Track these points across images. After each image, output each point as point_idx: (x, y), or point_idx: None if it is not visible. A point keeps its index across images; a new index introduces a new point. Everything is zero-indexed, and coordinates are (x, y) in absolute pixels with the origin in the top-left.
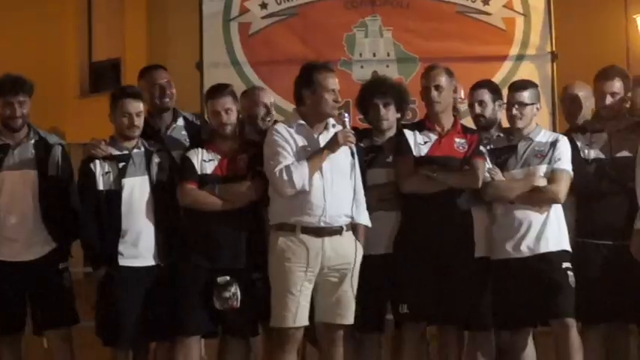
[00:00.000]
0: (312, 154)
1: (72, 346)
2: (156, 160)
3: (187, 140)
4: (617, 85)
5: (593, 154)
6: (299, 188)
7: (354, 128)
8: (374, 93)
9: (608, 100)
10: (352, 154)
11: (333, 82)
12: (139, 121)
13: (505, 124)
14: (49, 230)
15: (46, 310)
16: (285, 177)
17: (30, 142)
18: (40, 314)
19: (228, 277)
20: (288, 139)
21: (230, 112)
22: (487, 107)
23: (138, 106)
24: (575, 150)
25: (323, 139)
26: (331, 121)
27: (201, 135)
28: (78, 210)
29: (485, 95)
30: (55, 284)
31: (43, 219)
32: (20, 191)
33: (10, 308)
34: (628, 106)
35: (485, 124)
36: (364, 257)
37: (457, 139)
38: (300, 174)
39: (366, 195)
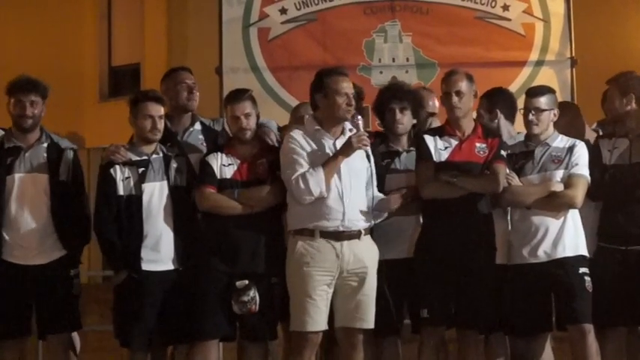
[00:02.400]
0: (328, 160)
1: (69, 352)
2: (174, 165)
3: (204, 144)
4: (612, 93)
5: (613, 159)
6: (316, 195)
7: (370, 131)
8: (391, 98)
9: (616, 102)
10: (368, 157)
11: (345, 85)
12: (161, 125)
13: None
14: (59, 235)
15: (51, 316)
16: (302, 185)
17: (42, 146)
18: (45, 319)
19: (246, 281)
20: (304, 145)
21: (249, 117)
22: (483, 118)
23: (160, 109)
24: (597, 156)
25: (340, 143)
26: (347, 125)
27: (219, 140)
28: (88, 216)
29: (481, 108)
30: (64, 291)
31: (54, 224)
32: (31, 195)
33: (15, 311)
34: None
35: None
36: (384, 261)
37: (478, 144)
38: (317, 181)
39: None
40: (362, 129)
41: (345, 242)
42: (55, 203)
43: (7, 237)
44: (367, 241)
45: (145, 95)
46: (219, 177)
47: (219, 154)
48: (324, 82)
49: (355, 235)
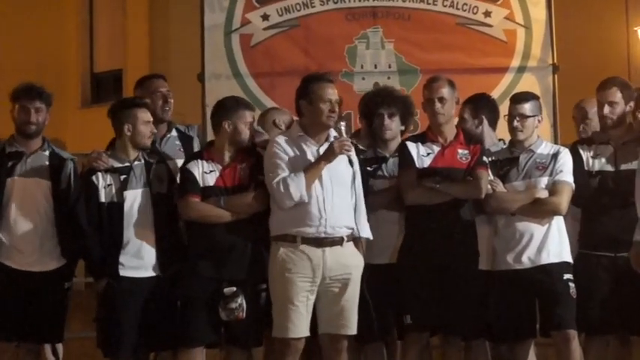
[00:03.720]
0: (310, 165)
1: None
2: (156, 171)
3: (182, 150)
4: (615, 95)
5: (597, 166)
6: (297, 200)
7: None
8: (380, 103)
9: (606, 109)
10: (351, 163)
11: (329, 92)
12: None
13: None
14: (59, 241)
15: (37, 325)
16: (282, 189)
17: (44, 153)
18: (29, 327)
19: (234, 288)
20: (287, 150)
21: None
22: (467, 123)
23: (150, 116)
24: (578, 162)
25: (324, 150)
26: (332, 132)
27: (195, 147)
28: (84, 227)
29: (466, 113)
30: (55, 303)
31: (55, 230)
32: (31, 199)
33: (9, 315)
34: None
35: None
36: (368, 266)
37: (460, 150)
38: (297, 185)
39: (369, 199)
40: (345, 135)
41: (327, 248)
42: (57, 209)
43: (4, 240)
44: (350, 247)
45: (138, 102)
46: (201, 185)
47: (199, 161)
48: (309, 88)
49: (337, 241)
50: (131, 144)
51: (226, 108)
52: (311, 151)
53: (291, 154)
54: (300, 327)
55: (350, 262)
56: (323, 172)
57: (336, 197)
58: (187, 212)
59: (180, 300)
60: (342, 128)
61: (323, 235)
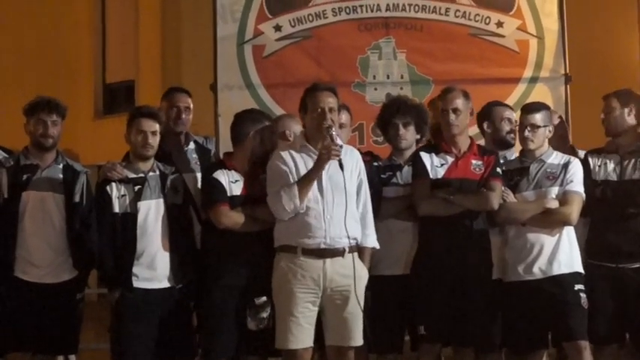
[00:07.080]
0: (303, 176)
1: None
2: (171, 183)
3: (198, 163)
4: (612, 104)
5: (602, 175)
6: (290, 212)
7: (367, 152)
8: (394, 112)
9: (604, 119)
10: (341, 167)
11: (321, 100)
12: (154, 141)
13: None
14: (72, 253)
15: (51, 337)
16: (275, 202)
17: (58, 166)
18: (44, 339)
19: (264, 298)
20: (288, 162)
21: None
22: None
23: (153, 126)
24: (587, 171)
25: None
26: (339, 142)
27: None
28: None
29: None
30: (69, 313)
31: (68, 243)
32: (45, 212)
33: (24, 326)
34: None
35: None
36: (382, 278)
37: (474, 161)
38: (289, 198)
39: (382, 207)
40: (336, 140)
41: (328, 260)
42: (70, 223)
43: (20, 254)
44: (352, 258)
45: (139, 111)
46: (229, 194)
47: (224, 170)
48: (304, 99)
49: (339, 252)
50: (133, 154)
51: (254, 119)
52: (313, 161)
53: (293, 165)
54: (300, 338)
55: (352, 273)
56: (324, 183)
57: (337, 208)
58: (221, 220)
59: (203, 312)
60: (334, 133)
61: (323, 246)
